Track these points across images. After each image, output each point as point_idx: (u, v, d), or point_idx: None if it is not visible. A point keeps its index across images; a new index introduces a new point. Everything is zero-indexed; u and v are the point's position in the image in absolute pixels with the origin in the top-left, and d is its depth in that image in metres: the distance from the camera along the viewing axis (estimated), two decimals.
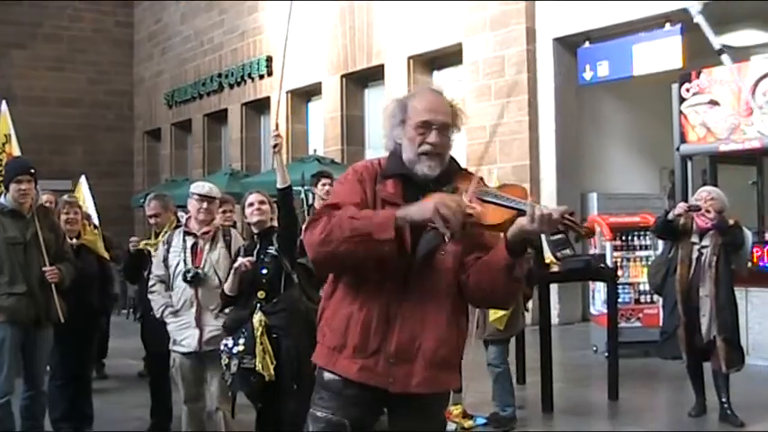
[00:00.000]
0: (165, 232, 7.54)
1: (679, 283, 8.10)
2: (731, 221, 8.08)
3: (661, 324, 11.42)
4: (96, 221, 9.65)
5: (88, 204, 11.00)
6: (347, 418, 3.61)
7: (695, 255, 8.10)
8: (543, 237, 9.80)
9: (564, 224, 3.31)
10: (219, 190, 7.16)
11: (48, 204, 8.63)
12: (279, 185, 6.35)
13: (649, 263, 11.76)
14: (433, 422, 3.73)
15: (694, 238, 8.11)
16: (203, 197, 6.85)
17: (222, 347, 6.14)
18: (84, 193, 11.15)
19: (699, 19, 5.97)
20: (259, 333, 6.05)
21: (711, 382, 8.32)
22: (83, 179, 12.09)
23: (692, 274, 8.09)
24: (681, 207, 8.14)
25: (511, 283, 3.45)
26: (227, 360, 6.08)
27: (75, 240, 7.94)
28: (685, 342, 8.13)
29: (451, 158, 3.73)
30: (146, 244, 7.94)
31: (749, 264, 9.45)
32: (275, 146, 6.54)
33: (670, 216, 8.15)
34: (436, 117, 3.64)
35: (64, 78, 28.16)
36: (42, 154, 24.00)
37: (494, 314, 7.75)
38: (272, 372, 6.04)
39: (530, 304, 9.08)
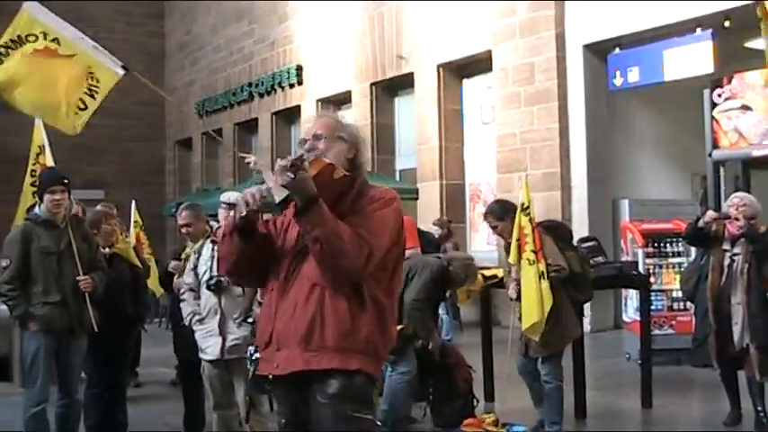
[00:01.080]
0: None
1: (710, 291, 8.04)
2: (762, 228, 8.00)
3: (693, 331, 11.47)
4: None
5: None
6: (280, 414, 4.07)
7: (727, 262, 8.04)
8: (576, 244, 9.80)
9: (292, 167, 3.60)
10: None
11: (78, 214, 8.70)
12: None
13: (682, 270, 11.71)
14: (320, 405, 3.80)
15: (726, 245, 8.05)
16: (231, 206, 6.88)
17: (247, 354, 6.16)
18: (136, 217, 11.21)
19: None
20: None
21: (746, 390, 8.24)
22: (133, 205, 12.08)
23: (724, 282, 8.03)
24: (710, 215, 8.09)
25: (312, 244, 3.70)
26: (249, 366, 6.11)
27: (108, 249, 7.99)
28: (716, 350, 8.08)
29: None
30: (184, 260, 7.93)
31: None
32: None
33: (700, 223, 8.11)
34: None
35: None
36: (74, 164, 24.15)
37: (526, 323, 7.69)
38: None
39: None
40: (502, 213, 8.03)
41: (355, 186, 3.91)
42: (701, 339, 8.25)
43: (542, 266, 7.64)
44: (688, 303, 11.51)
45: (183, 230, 7.87)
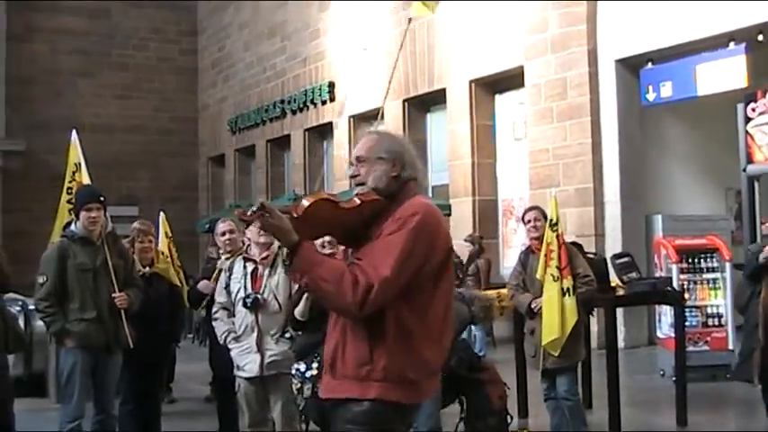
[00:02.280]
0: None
1: (762, 307, 7.98)
2: None
3: (729, 346, 11.37)
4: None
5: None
6: None
7: None
8: (609, 260, 9.76)
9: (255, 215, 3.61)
10: None
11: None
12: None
13: (716, 285, 11.67)
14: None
15: None
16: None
17: (294, 371, 6.16)
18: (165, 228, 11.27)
19: None
20: None
21: None
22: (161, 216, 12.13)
23: None
24: None
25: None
26: (299, 384, 6.09)
27: (147, 269, 8.06)
28: (761, 366, 8.01)
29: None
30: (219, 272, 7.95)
31: None
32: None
33: (761, 260, 8.02)
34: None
35: (130, 106, 28.70)
36: (109, 180, 24.39)
37: (546, 338, 7.71)
38: None
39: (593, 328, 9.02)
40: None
41: (392, 206, 3.83)
42: (747, 354, 8.19)
43: (567, 283, 7.68)
44: (722, 319, 11.50)
45: (227, 238, 7.89)
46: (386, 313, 3.69)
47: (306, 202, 3.68)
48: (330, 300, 3.70)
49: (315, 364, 6.06)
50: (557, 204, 8.03)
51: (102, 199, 7.24)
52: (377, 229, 3.77)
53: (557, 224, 7.85)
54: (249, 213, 3.60)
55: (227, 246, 7.89)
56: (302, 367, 6.12)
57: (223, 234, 7.98)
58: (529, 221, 8.13)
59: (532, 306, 7.91)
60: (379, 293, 3.60)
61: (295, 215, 3.64)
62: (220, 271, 7.56)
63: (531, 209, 8.34)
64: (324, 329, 6.07)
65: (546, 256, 7.77)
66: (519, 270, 8.26)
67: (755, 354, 8.02)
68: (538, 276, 7.85)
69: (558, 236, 7.80)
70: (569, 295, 7.68)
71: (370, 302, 3.60)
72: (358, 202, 3.78)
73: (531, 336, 8.06)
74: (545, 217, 8.06)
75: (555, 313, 7.67)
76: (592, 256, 8.81)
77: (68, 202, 8.33)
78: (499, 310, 11.16)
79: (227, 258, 7.62)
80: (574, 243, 8.42)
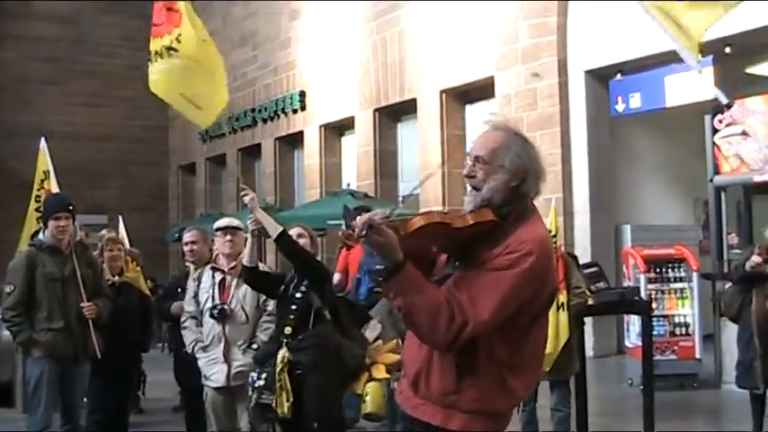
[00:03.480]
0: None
1: (756, 316, 8.11)
2: None
3: (697, 355, 11.46)
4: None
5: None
6: None
7: None
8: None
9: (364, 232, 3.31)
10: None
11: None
12: (272, 236, 6.31)
13: (684, 295, 11.76)
14: None
15: None
16: (226, 229, 6.93)
17: (250, 380, 6.17)
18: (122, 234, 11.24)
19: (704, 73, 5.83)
20: (279, 369, 6.02)
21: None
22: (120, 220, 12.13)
23: None
24: (755, 261, 8.13)
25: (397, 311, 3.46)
26: (250, 393, 6.11)
27: (117, 277, 8.03)
28: (763, 372, 8.12)
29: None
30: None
31: None
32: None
33: (747, 268, 8.15)
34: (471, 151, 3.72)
35: (100, 114, 28.53)
36: (78, 189, 24.23)
37: None
38: (286, 410, 5.98)
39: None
40: None
41: (505, 226, 3.51)
42: (747, 363, 8.30)
43: (563, 297, 7.63)
44: (689, 328, 11.60)
45: (189, 248, 7.85)
46: (477, 344, 3.44)
47: (418, 223, 3.40)
48: (421, 331, 3.45)
49: (264, 375, 6.06)
50: (556, 215, 7.97)
51: (71, 208, 7.21)
52: (485, 250, 3.48)
53: (555, 236, 7.79)
54: (356, 233, 3.33)
55: (191, 255, 7.85)
56: (254, 376, 6.13)
57: (186, 244, 7.94)
58: None
59: None
60: (474, 334, 3.37)
61: (402, 232, 3.37)
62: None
63: None
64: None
65: None
66: None
67: (756, 363, 8.13)
68: None
69: (556, 248, 7.77)
70: (563, 310, 7.64)
71: (461, 341, 3.37)
72: (471, 222, 3.48)
73: None
74: None
75: (550, 329, 7.62)
76: (592, 269, 8.87)
77: (37, 210, 8.31)
78: None
79: (195, 269, 7.61)
80: (570, 254, 8.43)
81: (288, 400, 5.97)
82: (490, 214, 3.50)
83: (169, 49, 8.14)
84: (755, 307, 8.14)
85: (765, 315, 8.10)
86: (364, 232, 3.30)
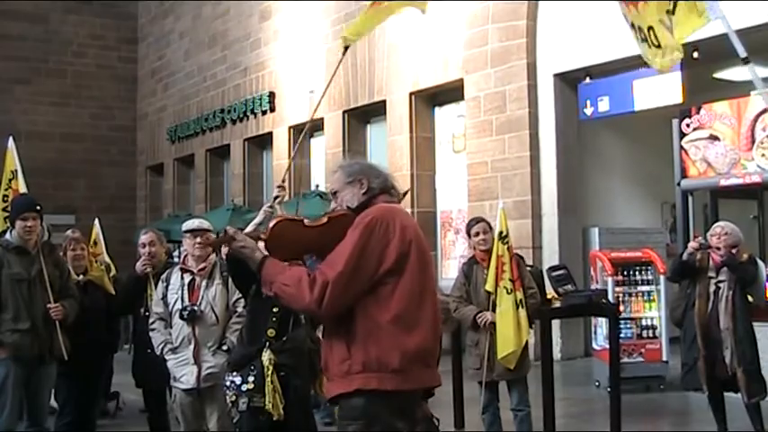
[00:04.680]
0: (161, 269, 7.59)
1: (698, 317, 8.20)
2: (745, 256, 8.24)
3: (663, 358, 11.55)
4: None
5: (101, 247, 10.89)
6: None
7: (712, 289, 8.22)
8: (545, 273, 9.85)
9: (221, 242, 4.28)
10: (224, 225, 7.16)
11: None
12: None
13: (651, 298, 11.83)
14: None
15: (711, 273, 8.22)
16: (195, 232, 6.91)
17: (228, 383, 6.11)
18: (98, 236, 11.08)
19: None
20: (270, 372, 5.99)
21: (733, 414, 8.45)
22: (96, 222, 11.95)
23: (711, 308, 8.20)
24: (691, 246, 8.27)
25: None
26: (233, 397, 6.04)
27: (81, 276, 7.98)
28: (706, 374, 8.21)
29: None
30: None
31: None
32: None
33: (684, 256, 8.28)
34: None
35: (67, 113, 28.33)
36: (46, 188, 24.11)
37: (501, 352, 7.72)
38: (282, 412, 5.97)
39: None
40: None
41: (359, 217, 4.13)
42: (691, 364, 8.40)
43: (520, 295, 7.71)
44: (656, 331, 11.67)
45: (146, 249, 7.84)
46: (354, 310, 3.99)
47: (270, 224, 4.06)
48: (293, 302, 4.05)
49: (251, 378, 6.01)
50: (506, 217, 8.04)
51: (38, 208, 7.17)
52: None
53: (507, 236, 7.88)
54: (213, 239, 4.12)
55: (148, 258, 7.84)
56: (237, 380, 6.06)
57: (143, 246, 7.94)
58: (477, 234, 8.12)
59: (478, 319, 7.90)
60: (335, 289, 3.90)
61: (263, 237, 4.04)
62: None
63: (477, 221, 8.32)
64: (261, 343, 6.11)
65: (497, 268, 7.76)
66: (462, 281, 8.21)
67: (699, 363, 8.22)
68: (488, 288, 7.82)
69: (508, 248, 7.83)
70: (522, 307, 7.72)
71: (327, 298, 3.90)
72: (325, 219, 4.16)
73: (475, 348, 8.03)
74: (491, 229, 8.10)
75: (510, 326, 7.64)
76: (529, 267, 8.89)
77: (4, 210, 8.23)
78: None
79: (151, 270, 7.61)
80: (517, 255, 8.48)
81: (282, 402, 5.96)
82: (344, 211, 4.26)
83: None
84: (697, 308, 8.23)
85: (708, 318, 8.19)
86: (225, 239, 4.08)
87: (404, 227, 4.10)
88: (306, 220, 4.19)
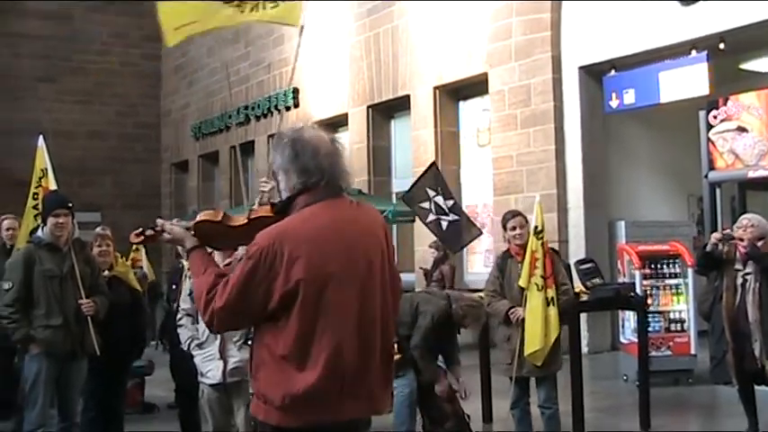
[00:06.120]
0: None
1: (725, 310, 8.13)
2: None
3: (692, 351, 11.49)
4: None
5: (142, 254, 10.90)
6: None
7: (739, 281, 8.12)
8: (573, 266, 9.82)
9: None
10: None
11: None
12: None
13: (679, 291, 11.77)
14: None
15: (738, 266, 8.13)
16: None
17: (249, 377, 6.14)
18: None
19: None
20: None
21: (763, 406, 8.39)
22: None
23: (738, 301, 8.11)
24: (714, 237, 8.21)
25: None
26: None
27: (107, 272, 8.02)
28: (735, 367, 8.15)
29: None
30: None
31: None
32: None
33: (708, 248, 8.22)
34: None
35: (92, 111, 28.46)
36: (71, 186, 24.18)
37: (529, 349, 7.67)
38: None
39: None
40: None
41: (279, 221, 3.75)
42: (719, 357, 8.33)
43: (551, 292, 7.61)
44: (685, 324, 11.61)
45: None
46: (256, 335, 3.74)
47: (197, 219, 3.96)
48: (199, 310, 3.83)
49: None
50: (542, 211, 7.92)
51: (69, 205, 7.23)
52: None
53: (542, 231, 7.77)
54: (145, 234, 3.99)
55: (184, 252, 7.91)
56: None
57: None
58: (513, 228, 7.95)
59: (511, 315, 7.88)
60: (222, 317, 3.65)
61: (191, 228, 3.94)
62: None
63: (513, 215, 8.13)
64: None
65: (530, 264, 7.66)
66: (496, 275, 8.08)
67: (728, 356, 8.16)
68: (521, 284, 7.72)
69: (542, 244, 7.74)
70: (552, 305, 7.63)
71: (216, 324, 3.71)
72: (245, 220, 3.88)
73: (507, 343, 7.97)
74: (527, 223, 8.00)
75: (538, 324, 7.55)
76: (587, 265, 8.86)
77: (34, 207, 8.29)
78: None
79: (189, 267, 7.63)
80: (553, 250, 8.42)
81: None
82: (267, 211, 3.87)
83: None
84: (725, 301, 8.17)
85: (735, 310, 8.12)
86: (156, 232, 3.98)
87: (291, 261, 3.56)
88: (230, 220, 3.92)
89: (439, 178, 11.51)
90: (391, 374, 3.90)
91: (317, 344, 3.58)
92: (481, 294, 8.53)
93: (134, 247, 9.23)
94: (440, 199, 11.32)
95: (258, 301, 3.58)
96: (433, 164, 12.11)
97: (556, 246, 14.31)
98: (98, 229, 8.55)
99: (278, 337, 3.59)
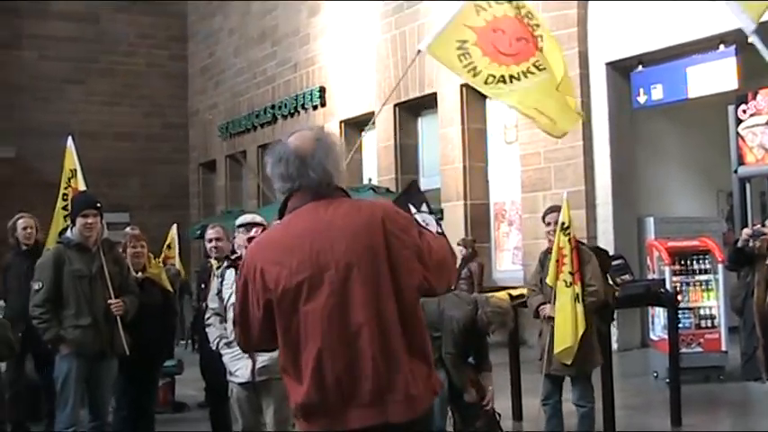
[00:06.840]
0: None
1: (756, 305, 8.07)
2: None
3: (722, 347, 11.41)
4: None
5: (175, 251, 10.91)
6: None
7: None
8: None
9: None
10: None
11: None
12: None
13: (709, 287, 11.70)
14: None
15: None
16: (248, 225, 6.94)
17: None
18: (174, 241, 11.16)
19: (754, 39, 5.95)
20: None
21: None
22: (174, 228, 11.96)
23: None
24: (745, 233, 8.14)
25: None
26: None
27: (140, 274, 8.06)
28: (765, 363, 8.08)
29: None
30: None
31: None
32: None
33: (739, 244, 8.16)
34: None
35: (119, 112, 28.57)
36: (99, 187, 24.27)
37: (559, 346, 7.62)
38: None
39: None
40: None
41: None
42: (750, 354, 8.28)
43: (578, 289, 7.54)
44: (715, 321, 11.54)
45: (213, 245, 8.01)
46: None
47: None
48: None
49: None
50: (569, 207, 7.87)
51: (98, 205, 7.26)
52: None
53: (569, 227, 7.69)
54: None
55: (215, 252, 7.99)
56: None
57: (210, 240, 8.08)
58: (549, 224, 7.96)
59: (540, 310, 7.84)
60: (238, 337, 3.86)
61: None
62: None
63: (551, 210, 8.11)
64: None
65: (558, 261, 7.63)
66: (537, 270, 8.14)
67: (758, 352, 8.10)
68: (548, 282, 7.71)
69: (569, 240, 7.69)
70: (578, 302, 7.56)
71: (241, 342, 3.91)
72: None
73: (539, 338, 7.98)
74: None
75: (568, 321, 7.49)
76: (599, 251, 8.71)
77: (64, 208, 8.34)
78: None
79: (218, 267, 7.66)
80: (598, 248, 8.33)
81: None
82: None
83: (526, 72, 8.29)
84: (756, 296, 8.11)
85: (765, 304, 8.05)
86: None
87: (263, 273, 3.59)
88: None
89: (419, 197, 11.51)
90: (412, 378, 3.56)
91: (304, 354, 3.55)
92: (511, 293, 8.53)
93: (166, 244, 9.28)
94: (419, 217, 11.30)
95: (257, 317, 3.63)
96: (414, 182, 12.12)
97: (584, 242, 14.31)
98: (128, 229, 8.61)
99: (280, 350, 3.66)
